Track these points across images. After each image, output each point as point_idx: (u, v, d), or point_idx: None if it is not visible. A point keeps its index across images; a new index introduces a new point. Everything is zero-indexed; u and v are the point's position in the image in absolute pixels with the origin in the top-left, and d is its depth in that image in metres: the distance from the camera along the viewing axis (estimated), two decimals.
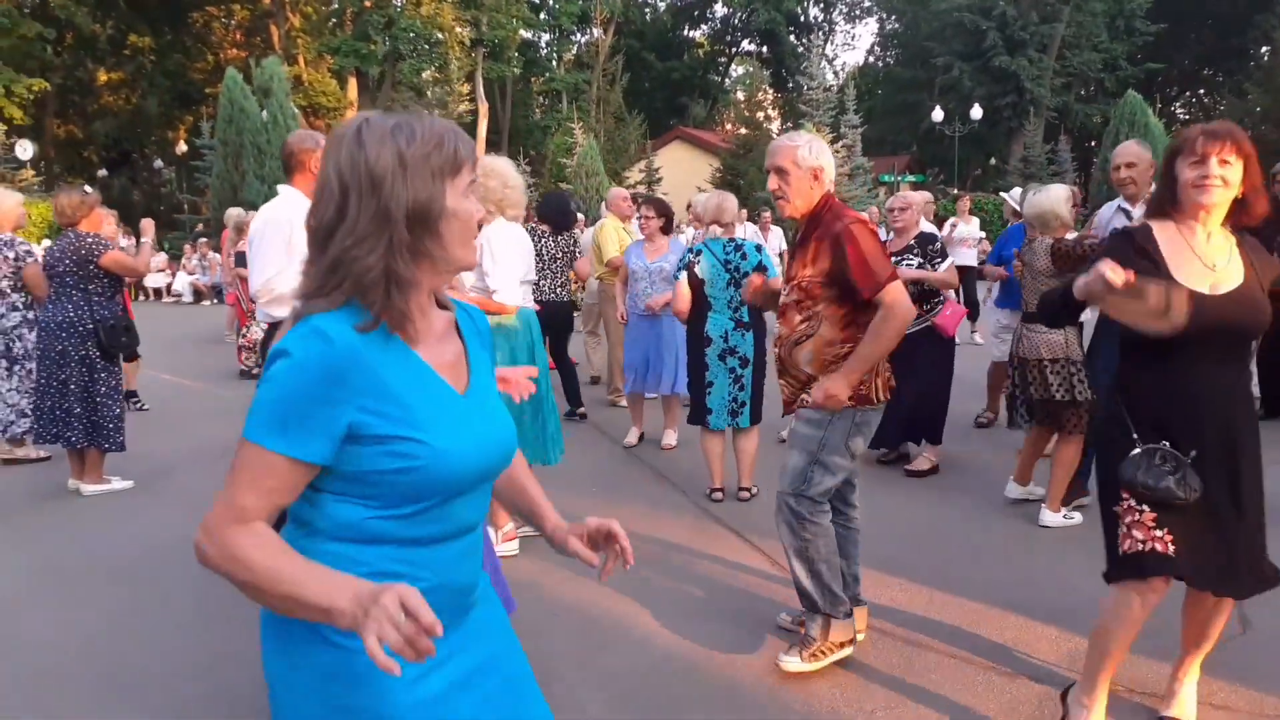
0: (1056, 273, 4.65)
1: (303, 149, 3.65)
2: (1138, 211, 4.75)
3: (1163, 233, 2.63)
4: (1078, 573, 4.23)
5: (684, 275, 5.22)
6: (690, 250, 5.33)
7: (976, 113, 30.57)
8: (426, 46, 29.89)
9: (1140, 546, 2.58)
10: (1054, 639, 3.56)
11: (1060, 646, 3.50)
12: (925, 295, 5.67)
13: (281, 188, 3.74)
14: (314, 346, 1.26)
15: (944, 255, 5.71)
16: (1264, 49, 36.32)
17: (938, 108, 30.67)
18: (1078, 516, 4.85)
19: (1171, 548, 2.56)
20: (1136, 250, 2.59)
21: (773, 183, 3.28)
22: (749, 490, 5.30)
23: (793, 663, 3.27)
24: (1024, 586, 4.09)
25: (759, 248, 5.20)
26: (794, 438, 3.33)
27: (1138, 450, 2.58)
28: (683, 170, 30.83)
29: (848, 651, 3.36)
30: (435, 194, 1.31)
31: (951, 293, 6.72)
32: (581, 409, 7.49)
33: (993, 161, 37.77)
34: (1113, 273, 2.22)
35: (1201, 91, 44.65)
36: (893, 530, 4.78)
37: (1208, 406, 2.58)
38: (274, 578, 1.23)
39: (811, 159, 3.21)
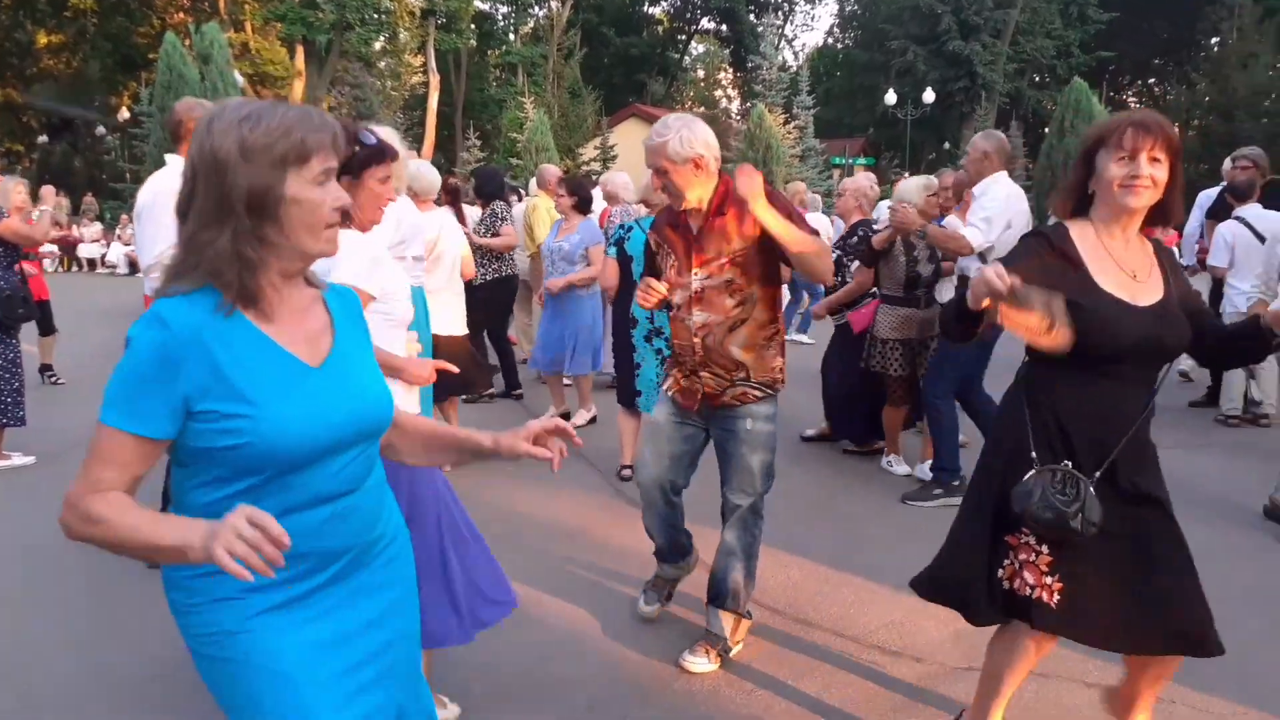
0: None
1: (190, 117, 3.56)
2: (974, 204, 4.82)
3: (1081, 235, 2.32)
4: None
5: (613, 252, 5.20)
6: (622, 227, 5.32)
7: (929, 97, 30.75)
8: (376, 16, 29.34)
9: (1028, 591, 2.30)
10: (942, 618, 3.58)
11: (947, 625, 3.53)
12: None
13: (170, 157, 3.65)
14: (152, 333, 1.36)
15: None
16: (1213, 40, 36.96)
17: (891, 91, 30.81)
18: (899, 468, 5.46)
19: (1056, 600, 2.27)
20: (1054, 251, 2.30)
21: (657, 183, 3.16)
22: None
23: (700, 664, 3.22)
24: (914, 567, 4.10)
25: None
26: (752, 436, 3.20)
27: (1033, 471, 2.27)
28: (639, 148, 30.28)
29: (740, 647, 3.38)
30: (274, 182, 1.37)
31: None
32: (518, 390, 7.44)
33: (946, 146, 38.03)
34: (997, 278, 2.00)
35: (1152, 81, 45.34)
36: (795, 509, 4.81)
37: (1118, 428, 2.26)
38: (132, 531, 1.34)
39: (685, 149, 3.02)
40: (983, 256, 4.59)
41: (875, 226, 5.55)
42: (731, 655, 3.29)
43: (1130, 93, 45.79)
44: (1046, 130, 24.26)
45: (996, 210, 4.60)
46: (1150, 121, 2.23)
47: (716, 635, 3.28)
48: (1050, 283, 2.11)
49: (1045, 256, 2.29)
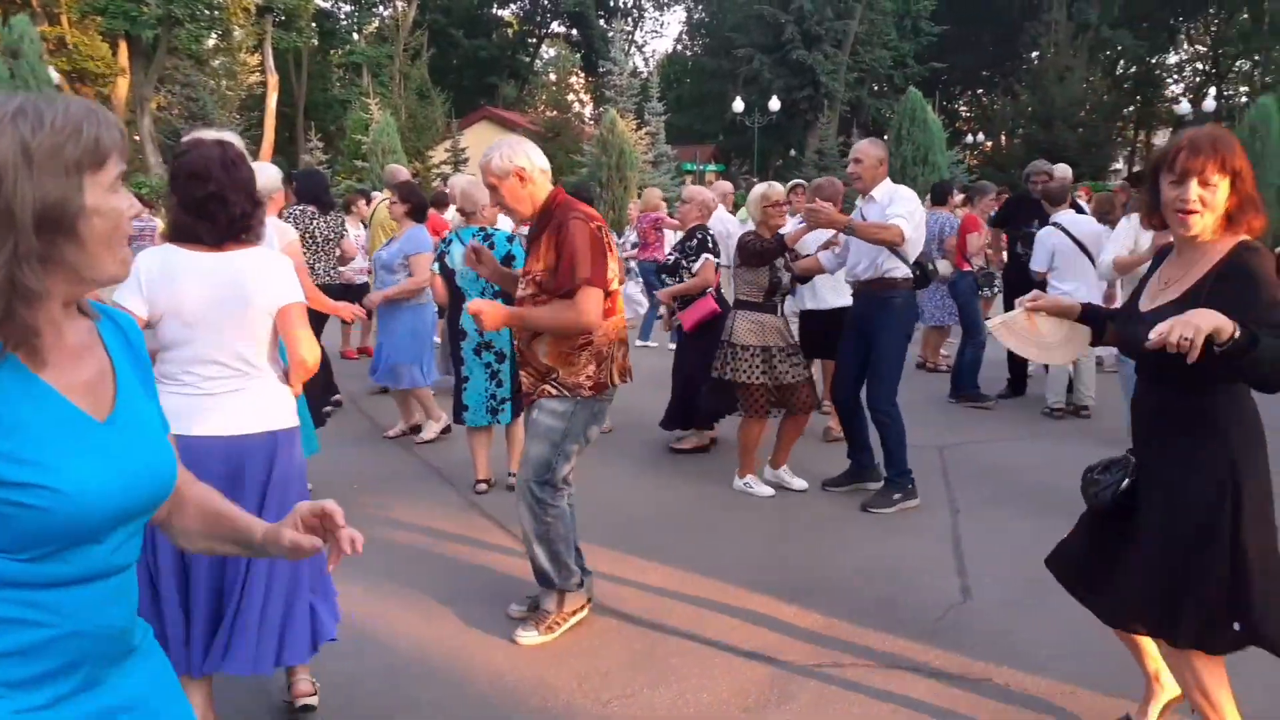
0: (741, 265, 5.03)
1: None
2: (866, 204, 4.95)
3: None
4: (827, 553, 4.39)
5: (437, 266, 5.10)
6: (443, 240, 5.20)
7: (775, 104, 31.63)
8: (207, 11, 27.90)
9: None
10: (794, 617, 3.66)
11: (798, 624, 3.60)
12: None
13: None
14: None
15: (705, 251, 5.78)
16: (1033, 54, 39.51)
17: (739, 98, 31.52)
18: (761, 490, 5.17)
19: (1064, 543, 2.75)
20: (1152, 263, 2.59)
21: (493, 198, 3.40)
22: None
23: (529, 636, 3.40)
24: (774, 568, 4.19)
25: (511, 237, 5.03)
26: (535, 427, 3.38)
27: (1111, 459, 2.63)
28: None
29: (582, 615, 3.54)
30: (70, 192, 1.13)
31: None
32: (337, 396, 7.18)
33: (792, 153, 39.25)
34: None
35: (981, 91, 48.08)
36: (657, 515, 4.81)
37: (1141, 422, 2.51)
38: None
39: (506, 163, 3.26)
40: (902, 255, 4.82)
41: (737, 230, 5.63)
42: (565, 628, 3.46)
43: (962, 102, 48.45)
44: (886, 137, 25.39)
45: (913, 208, 4.83)
46: (1202, 141, 2.26)
47: (545, 611, 3.48)
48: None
49: (1153, 260, 2.62)
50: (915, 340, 7.14)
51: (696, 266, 5.72)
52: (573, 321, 3.21)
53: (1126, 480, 2.50)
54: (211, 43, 29.54)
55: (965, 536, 4.58)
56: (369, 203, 8.91)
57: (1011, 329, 2.77)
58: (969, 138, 41.11)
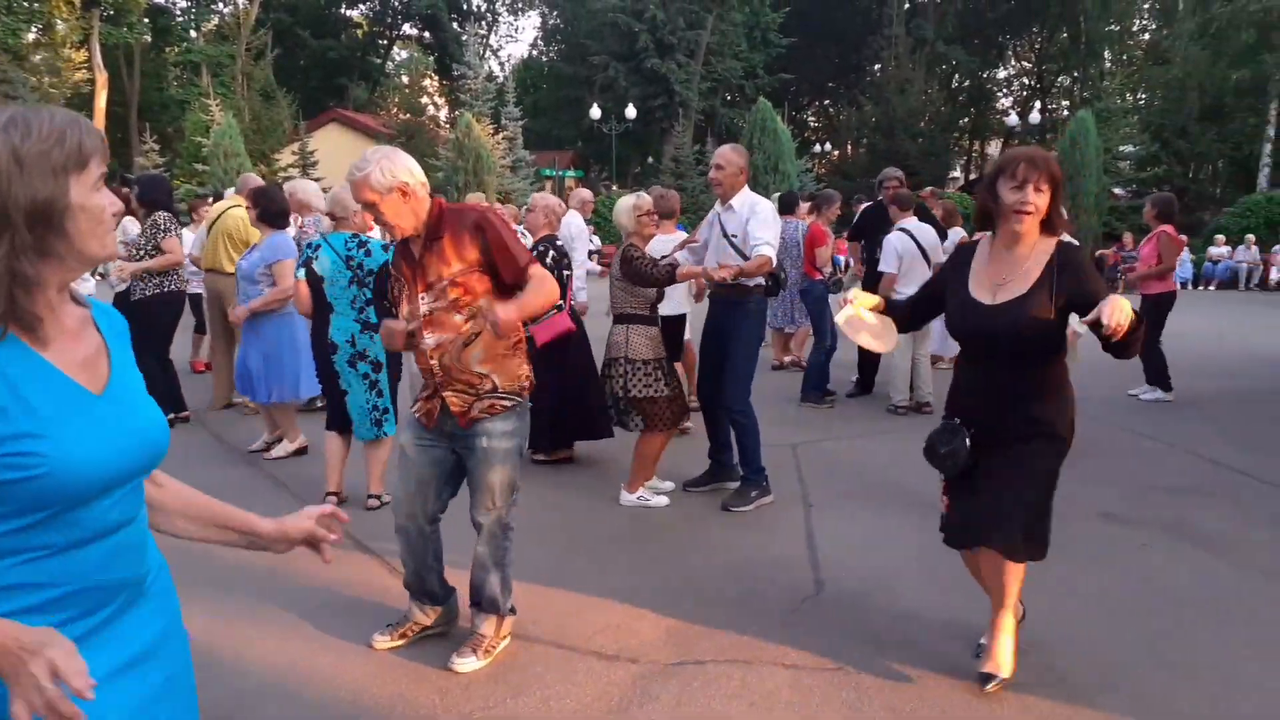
0: (623, 278, 4.94)
1: None
2: (725, 214, 5.05)
3: (984, 245, 3.08)
4: (687, 553, 4.46)
5: (302, 273, 4.84)
6: (309, 245, 4.95)
7: (631, 112, 31.95)
8: (26, 4, 26.04)
9: (941, 509, 3.23)
10: (655, 618, 3.70)
11: (659, 624, 3.64)
12: None
13: None
14: None
15: (558, 268, 5.65)
16: (876, 67, 41.28)
17: (596, 105, 31.70)
18: (657, 500, 5.10)
19: (945, 513, 3.20)
20: (958, 262, 3.13)
21: (368, 218, 3.18)
22: (377, 498, 4.99)
23: (468, 663, 3.28)
24: (635, 571, 4.23)
25: (386, 246, 4.84)
26: (490, 454, 3.20)
27: (939, 428, 3.12)
28: (341, 154, 29.23)
29: (507, 641, 3.46)
30: (57, 192, 1.29)
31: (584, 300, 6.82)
32: (184, 413, 6.84)
33: (650, 160, 39.73)
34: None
35: (828, 102, 49.84)
36: (516, 525, 4.77)
37: (980, 399, 3.03)
38: None
39: (388, 179, 3.02)
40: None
41: (586, 244, 5.56)
42: (499, 649, 3.39)
43: (810, 112, 50.09)
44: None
45: (773, 223, 4.96)
46: (1038, 158, 2.86)
47: (484, 635, 3.36)
48: (940, 283, 3.20)
49: (952, 264, 3.17)
50: (765, 342, 7.31)
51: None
52: (551, 291, 3.14)
53: (968, 440, 3.02)
54: (31, 37, 27.56)
55: (818, 530, 4.74)
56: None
57: (850, 325, 3.25)
58: (817, 147, 42.57)
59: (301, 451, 6.06)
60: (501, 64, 50.86)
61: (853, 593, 3.95)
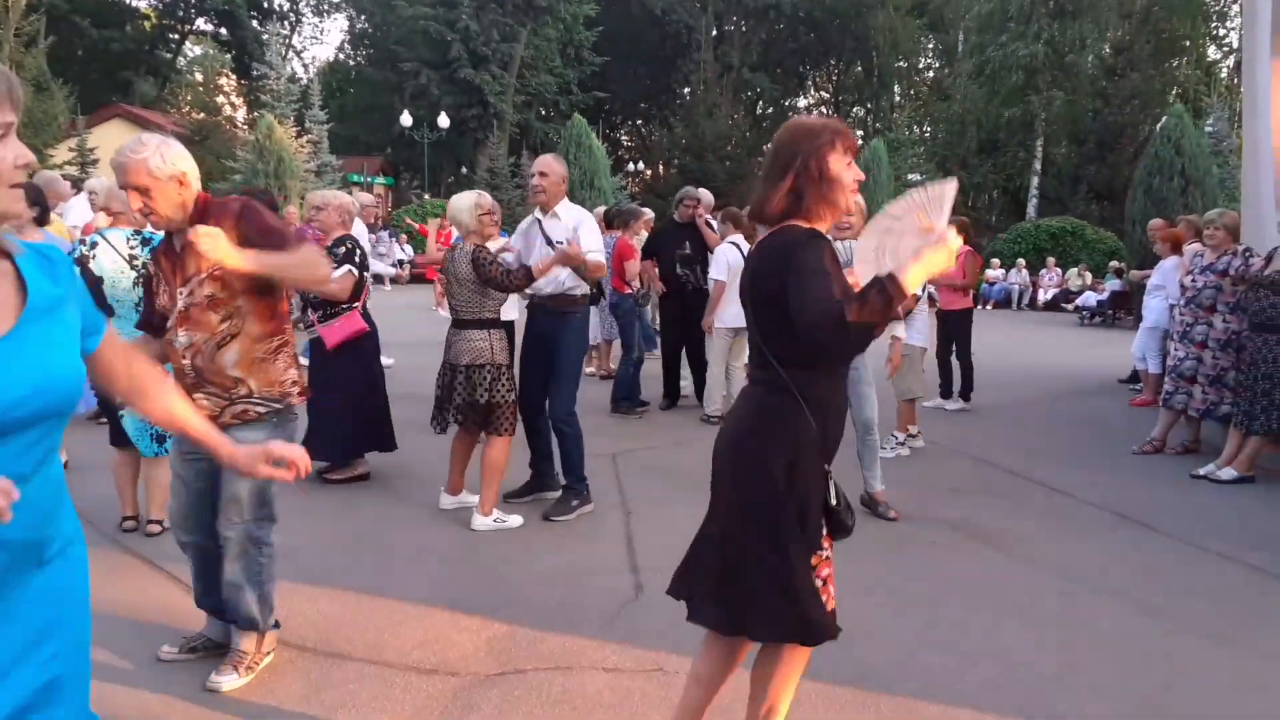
0: (475, 280, 4.76)
1: None
2: (548, 221, 5.08)
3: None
4: (507, 564, 4.43)
5: (77, 270, 4.46)
6: (82, 243, 4.55)
7: (444, 121, 31.48)
8: None
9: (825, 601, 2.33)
10: (475, 630, 3.66)
11: (480, 635, 3.60)
12: (326, 301, 5.52)
13: None
14: None
15: (349, 262, 5.46)
16: (686, 90, 42.53)
17: (407, 112, 31.02)
18: (513, 520, 4.96)
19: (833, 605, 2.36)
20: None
21: (135, 202, 2.91)
22: (159, 524, 4.62)
23: (230, 681, 3.13)
24: (454, 584, 4.16)
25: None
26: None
27: (831, 479, 2.31)
28: None
29: (270, 656, 3.31)
30: None
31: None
32: None
33: (464, 170, 39.25)
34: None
35: (640, 122, 50.89)
36: (324, 541, 4.60)
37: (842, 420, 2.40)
38: None
39: (169, 166, 2.88)
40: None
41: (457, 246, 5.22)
42: (261, 666, 3.25)
43: (624, 131, 50.98)
44: None
45: (599, 234, 5.12)
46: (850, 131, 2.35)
47: (245, 652, 3.22)
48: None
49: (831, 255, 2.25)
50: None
51: (337, 275, 5.43)
52: (318, 264, 3.02)
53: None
54: None
55: (637, 536, 4.82)
56: None
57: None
58: (631, 165, 43.39)
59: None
60: (306, 66, 48.94)
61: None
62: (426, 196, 31.70)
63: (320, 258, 3.09)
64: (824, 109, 48.71)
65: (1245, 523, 5.24)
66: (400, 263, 18.58)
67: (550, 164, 5.09)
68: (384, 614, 3.78)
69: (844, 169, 2.30)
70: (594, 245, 4.97)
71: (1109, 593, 4.16)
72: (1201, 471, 6.17)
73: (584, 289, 5.12)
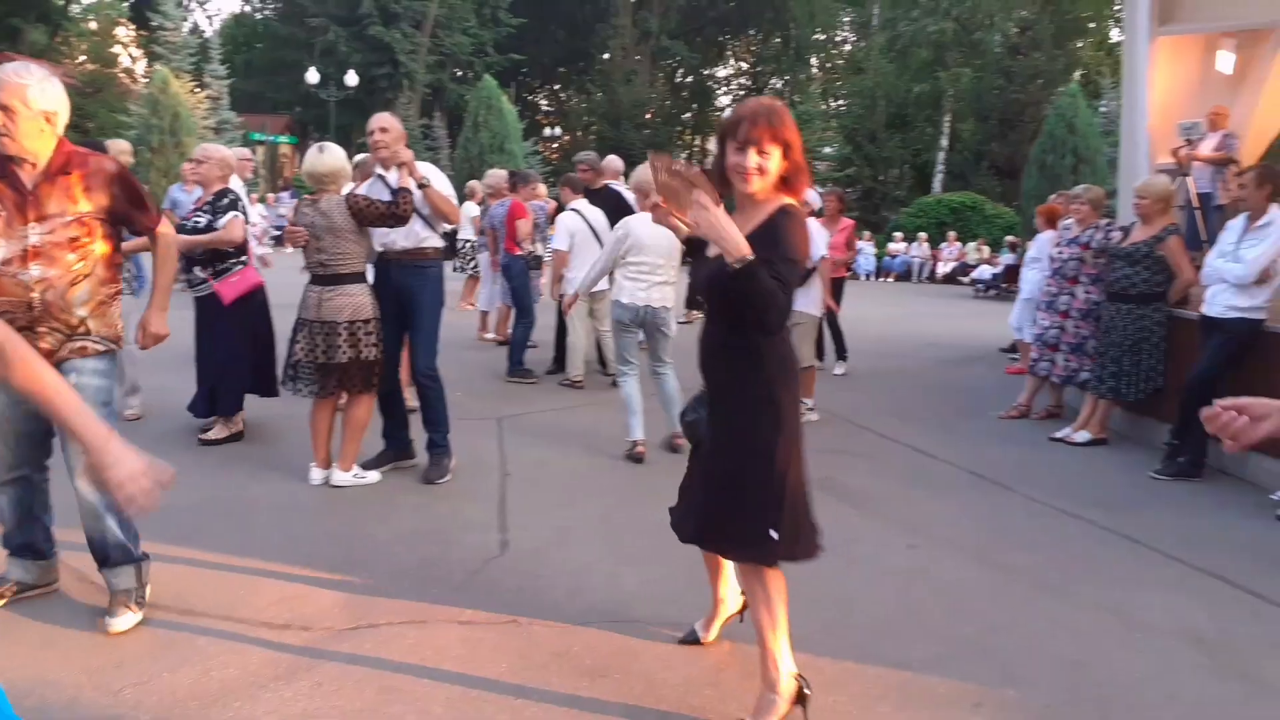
0: (356, 228, 4.71)
1: None
2: (391, 175, 5.00)
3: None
4: (372, 525, 4.45)
5: None
6: None
7: (352, 79, 30.70)
8: None
9: None
10: (333, 587, 3.68)
11: (337, 592, 3.63)
12: (216, 257, 5.52)
13: None
14: None
15: (233, 210, 5.47)
16: (605, 55, 42.21)
17: (314, 69, 30.15)
18: (371, 476, 5.00)
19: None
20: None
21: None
22: None
23: (125, 620, 3.24)
24: (315, 544, 4.18)
25: None
26: (82, 391, 3.06)
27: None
28: None
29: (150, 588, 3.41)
30: None
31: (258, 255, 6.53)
32: None
33: None
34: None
35: (558, 86, 50.38)
36: (191, 500, 4.55)
37: (704, 357, 2.79)
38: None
39: (44, 101, 3.03)
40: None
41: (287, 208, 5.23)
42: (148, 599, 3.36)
43: (541, 95, 50.41)
44: (466, 123, 25.78)
45: (450, 186, 5.21)
46: (760, 113, 2.58)
47: (127, 589, 3.30)
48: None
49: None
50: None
51: (222, 222, 5.38)
52: (175, 254, 3.53)
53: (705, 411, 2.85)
54: None
55: (511, 496, 4.90)
56: None
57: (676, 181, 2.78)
58: (547, 130, 42.99)
59: None
60: (209, 18, 47.09)
61: (533, 551, 4.13)
62: None
63: (171, 247, 3.51)
64: (743, 79, 48.94)
65: (1092, 482, 5.56)
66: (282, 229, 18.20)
67: (389, 120, 5.04)
68: (242, 573, 3.78)
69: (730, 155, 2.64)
70: (449, 193, 5.12)
71: (953, 546, 4.40)
72: (1059, 434, 6.52)
73: (437, 242, 5.11)
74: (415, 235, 5.02)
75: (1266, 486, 5.27)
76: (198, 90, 23.12)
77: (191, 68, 23.26)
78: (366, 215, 4.71)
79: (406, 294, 5.05)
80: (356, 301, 4.73)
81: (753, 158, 2.59)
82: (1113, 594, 3.89)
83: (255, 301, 5.71)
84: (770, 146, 2.60)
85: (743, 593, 3.13)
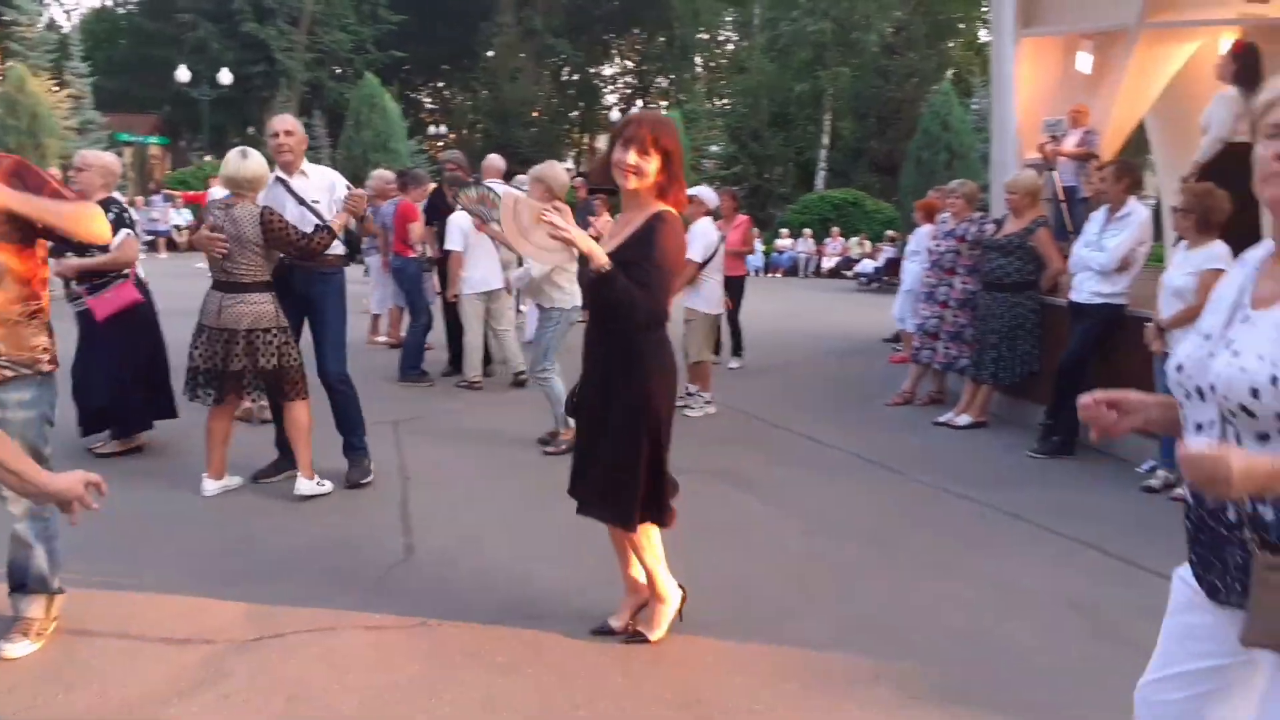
0: (262, 243, 4.56)
1: None
2: (296, 181, 4.93)
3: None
4: (275, 535, 4.36)
5: None
6: None
7: (226, 77, 29.59)
8: None
9: None
10: (235, 599, 3.60)
11: (240, 604, 3.54)
12: (89, 273, 5.24)
13: None
14: None
15: (123, 226, 5.18)
16: (489, 52, 41.76)
17: (185, 67, 28.93)
18: (329, 485, 4.89)
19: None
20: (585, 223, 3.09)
21: None
22: None
23: (20, 648, 3.11)
24: (215, 557, 4.08)
25: None
26: (8, 425, 2.83)
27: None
28: None
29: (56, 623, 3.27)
30: None
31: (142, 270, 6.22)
32: None
33: (250, 130, 37.10)
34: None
35: (442, 84, 49.56)
36: (86, 516, 4.36)
37: (589, 350, 3.13)
38: None
39: None
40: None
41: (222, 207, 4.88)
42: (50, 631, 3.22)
43: (424, 93, 49.53)
44: (348, 122, 25.14)
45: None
46: (645, 121, 2.90)
47: (33, 619, 3.19)
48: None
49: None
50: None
51: (117, 241, 5.14)
52: (96, 218, 3.02)
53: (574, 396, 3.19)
54: None
55: (413, 500, 4.86)
56: None
57: (516, 210, 3.24)
58: (432, 129, 42.30)
59: None
60: (68, 13, 44.66)
61: (439, 553, 4.12)
62: (208, 158, 29.82)
63: (98, 213, 3.06)
64: (628, 78, 49.15)
65: (974, 463, 5.86)
66: (177, 228, 17.48)
67: (294, 123, 5.01)
68: (140, 589, 3.66)
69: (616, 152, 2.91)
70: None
71: (847, 528, 4.58)
72: (942, 419, 6.83)
73: (339, 249, 5.06)
74: None
75: (1134, 460, 5.64)
76: (58, 89, 21.93)
77: (50, 65, 22.07)
78: (277, 239, 4.58)
79: (308, 302, 4.99)
80: (257, 310, 4.60)
81: (632, 155, 2.85)
82: (998, 567, 4.12)
83: (138, 318, 5.41)
84: (651, 149, 2.86)
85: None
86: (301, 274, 4.97)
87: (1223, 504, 1.57)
